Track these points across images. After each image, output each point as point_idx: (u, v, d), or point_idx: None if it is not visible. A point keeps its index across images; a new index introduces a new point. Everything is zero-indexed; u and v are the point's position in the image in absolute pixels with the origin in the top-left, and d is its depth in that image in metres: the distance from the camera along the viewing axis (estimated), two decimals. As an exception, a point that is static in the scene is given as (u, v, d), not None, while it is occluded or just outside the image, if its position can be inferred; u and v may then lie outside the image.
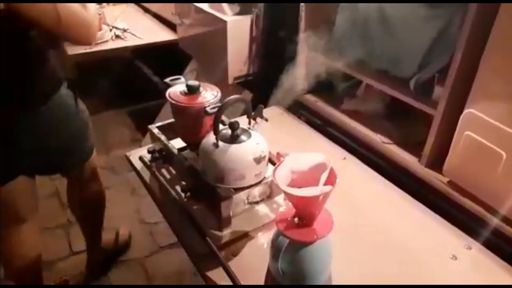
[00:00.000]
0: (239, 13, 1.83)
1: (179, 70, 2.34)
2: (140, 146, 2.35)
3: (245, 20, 1.64)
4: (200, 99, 1.14)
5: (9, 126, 1.18)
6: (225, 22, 1.60)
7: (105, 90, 2.55)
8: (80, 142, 1.46)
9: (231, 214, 0.94)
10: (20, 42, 1.10)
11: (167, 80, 1.26)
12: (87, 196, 1.65)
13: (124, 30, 2.28)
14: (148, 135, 2.37)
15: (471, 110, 1.03)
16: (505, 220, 1.00)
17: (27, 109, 1.20)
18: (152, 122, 2.38)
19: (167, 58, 2.41)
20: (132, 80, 2.72)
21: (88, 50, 1.99)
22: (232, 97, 1.01)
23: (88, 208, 1.70)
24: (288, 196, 0.76)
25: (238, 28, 1.63)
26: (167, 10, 2.35)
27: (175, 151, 1.16)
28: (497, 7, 0.92)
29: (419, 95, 1.22)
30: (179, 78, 1.26)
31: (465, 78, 1.05)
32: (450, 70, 1.07)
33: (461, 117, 1.06)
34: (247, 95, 1.84)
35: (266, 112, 1.48)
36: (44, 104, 1.23)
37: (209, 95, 1.16)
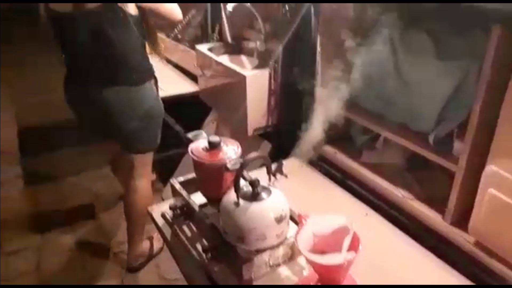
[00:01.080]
0: (257, 66, 1.91)
1: (199, 119, 2.40)
2: (162, 198, 2.40)
3: (264, 74, 1.69)
4: (221, 155, 1.17)
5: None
6: (244, 76, 1.65)
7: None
8: (142, 134, 1.73)
9: (253, 277, 0.93)
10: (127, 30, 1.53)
11: (189, 135, 1.30)
12: (125, 192, 1.91)
13: (148, 82, 2.37)
14: (168, 186, 2.41)
15: (493, 166, 1.02)
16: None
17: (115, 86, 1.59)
18: (173, 172, 2.44)
19: (188, 108, 2.48)
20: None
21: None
22: (252, 154, 1.03)
23: (125, 204, 1.92)
24: (311, 263, 0.75)
25: (257, 81, 1.68)
26: (189, 62, 2.44)
27: (197, 208, 1.17)
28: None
29: (439, 149, 1.22)
30: (200, 133, 1.30)
31: (484, 134, 1.04)
32: (468, 126, 1.07)
33: (483, 174, 1.05)
34: (266, 146, 1.86)
35: (286, 164, 1.50)
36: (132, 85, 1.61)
37: (230, 151, 1.18)
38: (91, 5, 1.46)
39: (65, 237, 2.21)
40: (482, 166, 1.05)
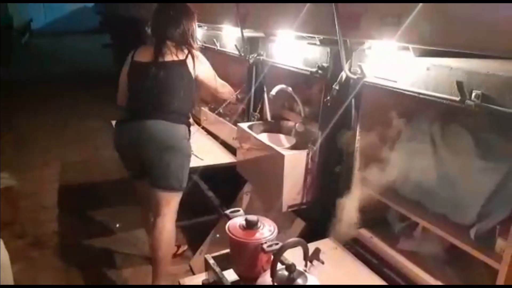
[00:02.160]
0: (294, 145, 1.97)
1: (234, 191, 2.45)
2: (189, 266, 2.39)
3: (302, 155, 1.74)
4: (257, 235, 1.19)
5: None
6: (283, 156, 1.71)
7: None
8: (168, 170, 1.95)
9: None
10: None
11: (227, 212, 1.33)
12: (153, 228, 2.04)
13: (188, 152, 2.48)
14: (197, 254, 2.41)
15: (540, 269, 0.99)
16: None
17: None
18: (203, 239, 2.45)
19: (224, 177, 2.55)
20: (188, 195, 2.86)
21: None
22: (290, 240, 1.05)
23: (151, 244, 2.08)
24: None
25: (295, 161, 1.73)
26: (228, 134, 2.56)
27: (228, 285, 1.17)
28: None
29: (480, 245, 1.19)
30: (238, 211, 1.33)
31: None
32: (512, 227, 1.05)
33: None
34: (300, 223, 1.86)
35: (320, 244, 1.49)
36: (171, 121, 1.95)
37: (266, 231, 1.20)
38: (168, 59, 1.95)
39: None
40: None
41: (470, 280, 1.28)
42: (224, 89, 2.27)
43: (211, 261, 1.30)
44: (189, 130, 2.08)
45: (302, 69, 1.76)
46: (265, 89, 2.20)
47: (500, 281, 1.10)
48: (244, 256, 1.20)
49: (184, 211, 2.88)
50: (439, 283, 1.29)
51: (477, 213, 1.21)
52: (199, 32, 2.91)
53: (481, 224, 1.19)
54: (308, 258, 1.11)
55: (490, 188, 1.17)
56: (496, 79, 1.02)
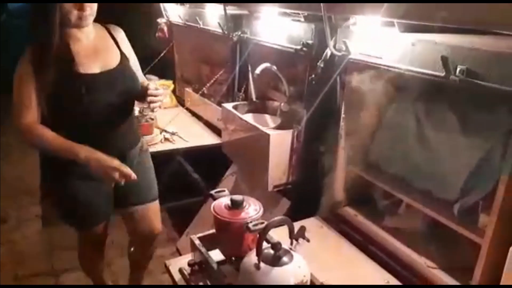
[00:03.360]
0: (280, 125, 1.96)
1: (219, 171, 2.44)
2: (176, 248, 2.38)
3: (287, 134, 1.73)
4: (243, 215, 1.18)
5: None
6: (268, 135, 1.69)
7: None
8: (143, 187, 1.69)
9: None
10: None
11: (213, 192, 1.32)
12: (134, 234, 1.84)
13: (173, 133, 2.45)
14: (184, 236, 2.41)
15: (521, 243, 1.00)
16: None
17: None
18: (189, 221, 2.44)
19: (209, 159, 2.53)
20: (173, 177, 2.83)
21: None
22: (275, 219, 1.04)
23: (141, 256, 1.93)
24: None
25: (280, 140, 1.72)
26: (213, 116, 2.52)
27: (215, 266, 1.17)
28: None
29: (464, 220, 1.20)
30: (223, 191, 1.32)
31: (511, 210, 1.03)
32: (494, 201, 1.06)
33: (510, 251, 1.02)
34: (285, 202, 1.86)
35: (306, 223, 1.50)
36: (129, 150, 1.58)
37: (252, 211, 1.20)
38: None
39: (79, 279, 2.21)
40: (509, 239, 1.03)
41: (454, 256, 1.30)
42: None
43: (197, 242, 1.29)
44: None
45: (286, 47, 1.73)
46: (249, 68, 2.17)
47: (482, 256, 1.11)
48: (229, 235, 1.20)
49: (169, 193, 2.87)
50: (422, 258, 1.31)
51: (460, 188, 1.22)
52: (181, 9, 2.83)
53: (464, 200, 1.20)
54: (294, 236, 1.11)
55: (473, 163, 1.18)
56: (480, 54, 1.01)
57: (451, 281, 1.21)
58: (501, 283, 1.04)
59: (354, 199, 1.66)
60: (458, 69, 1.04)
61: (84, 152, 1.35)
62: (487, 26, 1.03)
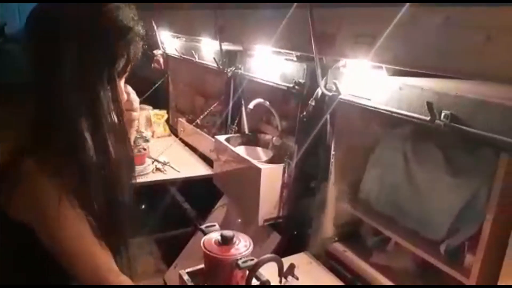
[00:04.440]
0: (272, 159, 1.98)
1: (210, 202, 2.44)
2: (163, 280, 2.35)
3: (278, 168, 1.75)
4: (233, 251, 1.18)
5: None
6: (259, 169, 1.72)
7: (135, 217, 2.63)
8: None
9: None
10: None
11: (203, 227, 1.32)
12: None
13: (165, 163, 2.46)
14: (172, 268, 2.38)
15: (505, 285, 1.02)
16: None
17: None
18: (178, 252, 2.42)
19: (200, 190, 2.53)
20: (163, 207, 2.82)
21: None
22: (265, 257, 1.05)
23: None
24: None
25: (271, 175, 1.74)
26: (206, 146, 2.55)
27: (203, 304, 1.16)
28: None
29: (450, 260, 1.22)
30: (213, 225, 1.33)
31: (496, 250, 1.05)
32: (480, 242, 1.08)
33: (497, 291, 1.04)
34: (276, 237, 1.86)
35: (295, 259, 1.50)
36: None
37: (242, 247, 1.20)
38: None
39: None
40: (494, 280, 1.05)
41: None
42: None
43: (185, 277, 1.28)
44: None
45: (279, 84, 1.78)
46: (243, 102, 2.22)
47: (469, 295, 1.13)
48: (219, 272, 1.20)
49: (159, 223, 2.85)
50: (410, 297, 1.32)
51: (447, 229, 1.24)
52: (177, 42, 2.90)
53: (450, 240, 1.23)
54: (283, 274, 1.12)
55: (459, 205, 1.21)
56: (464, 100, 1.06)
57: (438, 321, 1.22)
58: (487, 326, 1.05)
59: (343, 235, 1.67)
60: (443, 114, 1.08)
61: None
62: (470, 77, 1.08)
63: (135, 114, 1.04)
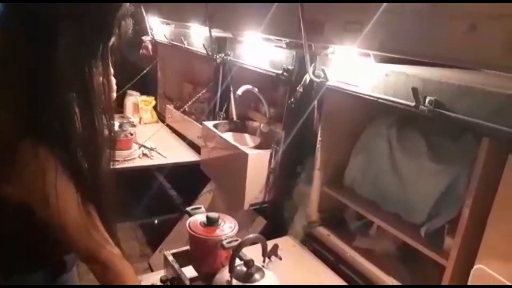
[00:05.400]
0: (259, 145, 2.00)
1: (197, 188, 2.45)
2: (149, 264, 2.36)
3: (265, 154, 1.77)
4: (218, 232, 1.20)
5: None
6: (246, 154, 1.73)
7: (121, 201, 2.63)
8: None
9: None
10: None
11: (188, 209, 1.33)
12: None
13: (152, 149, 2.45)
14: (157, 252, 2.39)
15: (481, 266, 1.05)
16: None
17: None
18: (164, 237, 2.42)
19: (187, 176, 2.54)
20: (150, 193, 2.82)
21: (116, 167, 2.13)
22: (249, 236, 1.06)
23: None
24: None
25: (258, 160, 1.76)
26: (193, 133, 2.55)
27: (188, 282, 1.17)
28: (501, 169, 1.01)
29: (430, 243, 1.26)
30: (199, 208, 1.34)
31: (474, 232, 1.08)
32: (459, 224, 1.12)
33: (472, 271, 1.07)
34: (261, 221, 1.89)
35: (279, 242, 1.52)
36: None
37: (227, 228, 1.22)
38: None
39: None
40: (471, 262, 1.08)
41: (420, 276, 1.34)
42: None
43: (170, 258, 1.29)
44: None
45: (268, 71, 1.79)
46: (231, 88, 2.22)
47: (447, 277, 1.16)
48: (203, 252, 1.21)
49: (145, 209, 2.85)
50: (391, 279, 1.35)
51: (428, 213, 1.28)
52: (167, 29, 2.88)
53: (430, 223, 1.26)
54: (267, 254, 1.13)
55: (440, 189, 1.24)
56: (448, 86, 1.08)
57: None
58: (463, 304, 1.09)
59: (327, 220, 1.70)
60: (427, 100, 1.11)
61: None
62: (455, 64, 1.11)
63: (113, 94, 1.01)
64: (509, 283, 0.98)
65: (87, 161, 0.86)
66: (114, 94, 1.02)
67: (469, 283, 1.08)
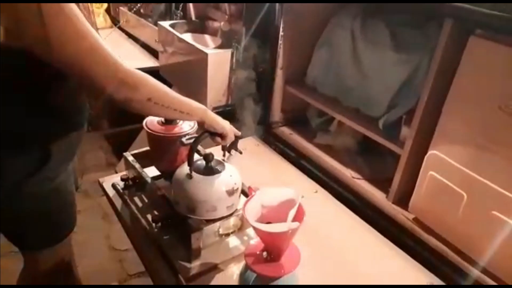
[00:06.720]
0: (220, 46, 1.90)
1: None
2: (115, 171, 2.35)
3: (226, 54, 1.69)
4: (176, 129, 1.16)
5: None
6: (206, 54, 1.64)
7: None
8: None
9: (201, 246, 0.95)
10: None
11: (147, 112, 1.28)
12: None
13: (106, 55, 2.30)
14: (123, 160, 2.37)
15: (435, 151, 1.09)
16: (466, 258, 1.04)
17: None
18: (128, 146, 2.40)
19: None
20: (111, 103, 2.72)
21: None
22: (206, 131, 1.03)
23: None
24: (257, 231, 0.78)
25: (219, 60, 1.68)
26: (150, 37, 2.39)
27: (149, 180, 1.17)
28: (459, 56, 1.00)
29: (387, 134, 1.28)
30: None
31: (430, 121, 1.11)
32: (416, 113, 1.13)
33: (426, 157, 1.12)
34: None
35: (242, 142, 1.52)
36: None
37: (186, 126, 1.18)
38: None
39: None
40: (425, 152, 1.12)
41: (377, 167, 1.40)
42: None
43: (130, 158, 1.27)
44: None
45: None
46: (187, -16, 2.04)
47: (402, 164, 1.21)
48: (163, 150, 1.19)
49: (108, 119, 2.77)
50: (349, 171, 1.40)
51: (387, 105, 1.28)
52: None
53: (389, 115, 1.28)
54: (226, 148, 1.12)
55: (400, 80, 1.24)
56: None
57: (372, 189, 1.32)
58: (416, 186, 1.15)
59: (290, 120, 1.70)
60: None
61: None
62: None
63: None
64: (460, 167, 1.03)
65: None
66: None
67: (422, 168, 1.13)
